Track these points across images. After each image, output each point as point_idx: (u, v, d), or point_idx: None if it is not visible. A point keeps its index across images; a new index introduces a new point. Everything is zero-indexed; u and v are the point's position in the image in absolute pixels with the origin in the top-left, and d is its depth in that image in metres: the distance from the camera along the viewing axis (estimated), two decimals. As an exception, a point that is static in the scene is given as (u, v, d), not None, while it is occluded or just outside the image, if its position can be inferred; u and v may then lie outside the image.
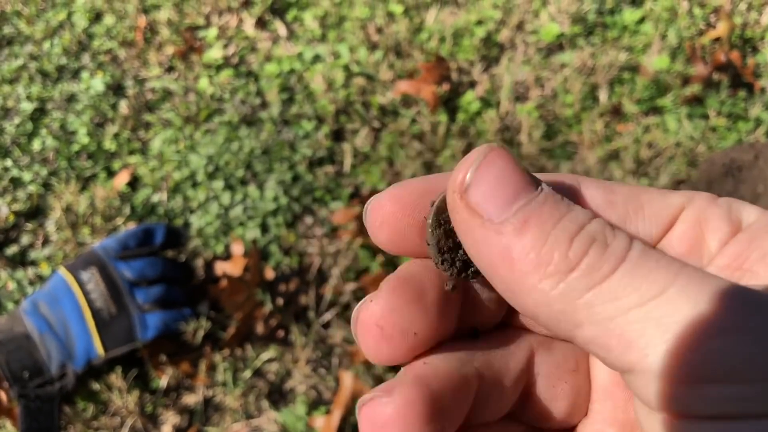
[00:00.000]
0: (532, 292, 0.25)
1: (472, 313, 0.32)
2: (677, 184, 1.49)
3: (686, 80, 1.65)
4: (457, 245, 0.29)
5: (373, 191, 1.48)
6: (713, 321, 0.23)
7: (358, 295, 1.37)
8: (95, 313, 1.24)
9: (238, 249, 1.42)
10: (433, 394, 0.27)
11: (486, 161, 0.26)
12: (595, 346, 0.25)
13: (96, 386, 1.27)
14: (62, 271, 1.27)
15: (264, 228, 1.48)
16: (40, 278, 1.44)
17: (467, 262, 0.29)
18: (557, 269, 0.24)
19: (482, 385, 0.29)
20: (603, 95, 1.65)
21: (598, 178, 0.30)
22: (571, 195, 0.29)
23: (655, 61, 1.70)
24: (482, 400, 0.29)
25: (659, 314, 0.23)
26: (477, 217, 0.26)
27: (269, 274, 1.40)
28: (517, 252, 0.25)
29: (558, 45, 1.83)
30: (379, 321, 0.28)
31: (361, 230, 1.40)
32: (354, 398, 1.20)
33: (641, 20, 1.85)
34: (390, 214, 0.29)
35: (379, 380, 1.24)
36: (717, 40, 1.77)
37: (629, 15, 1.85)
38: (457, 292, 0.30)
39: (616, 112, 1.62)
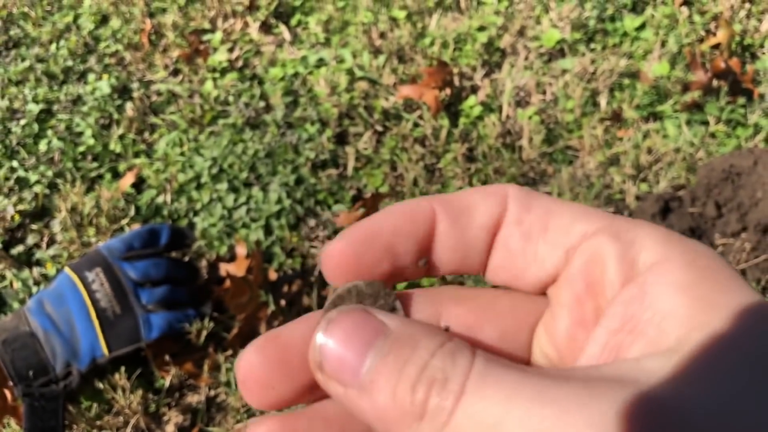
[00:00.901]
0: None
1: None
2: (677, 190, 1.51)
3: (686, 87, 1.67)
4: None
5: (376, 194, 1.49)
6: None
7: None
8: (100, 313, 1.25)
9: (241, 250, 1.43)
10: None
11: (329, 331, 0.26)
12: None
13: (100, 385, 1.29)
14: (67, 271, 1.29)
15: (267, 230, 1.49)
16: (46, 278, 1.45)
17: None
18: (413, 418, 0.24)
19: None
20: (603, 101, 1.67)
21: (531, 190, 0.30)
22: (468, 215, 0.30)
23: (655, 68, 1.72)
24: None
25: None
26: (339, 387, 0.26)
27: (272, 275, 1.42)
28: (377, 413, 0.25)
29: (559, 51, 1.85)
30: (241, 376, 0.28)
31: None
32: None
33: (642, 27, 1.87)
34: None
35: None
36: (717, 47, 1.78)
37: (630, 22, 1.87)
38: None
39: (617, 118, 1.63)
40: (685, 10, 1.89)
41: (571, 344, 0.29)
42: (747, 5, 1.90)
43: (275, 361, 0.28)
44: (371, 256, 0.30)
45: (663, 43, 1.80)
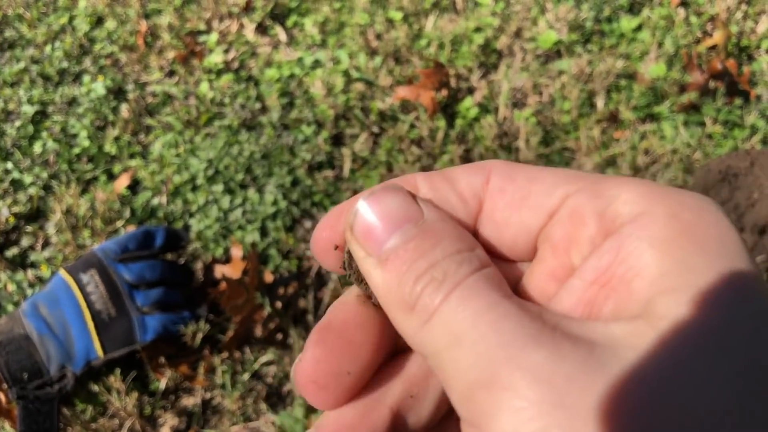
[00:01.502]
0: (396, 322, 0.27)
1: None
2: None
3: (683, 88, 1.67)
4: None
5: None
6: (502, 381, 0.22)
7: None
8: (95, 315, 1.25)
9: (237, 252, 1.43)
10: None
11: (370, 199, 0.28)
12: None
13: (95, 388, 1.28)
14: (62, 273, 1.28)
15: (263, 231, 1.49)
16: (40, 280, 1.44)
17: None
18: (406, 308, 0.26)
19: (396, 417, 0.30)
20: (600, 102, 1.67)
21: (516, 163, 0.30)
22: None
23: (652, 69, 1.72)
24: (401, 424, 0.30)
25: (447, 364, 0.24)
26: (361, 251, 0.28)
27: (268, 277, 1.41)
28: (383, 288, 0.27)
29: (556, 52, 1.84)
30: (311, 376, 0.29)
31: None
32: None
33: (638, 28, 1.87)
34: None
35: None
36: (713, 48, 1.78)
37: (626, 23, 1.87)
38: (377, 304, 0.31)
39: (613, 119, 1.63)
40: (681, 11, 1.89)
41: (542, 297, 0.29)
42: (744, 6, 1.90)
43: (341, 346, 0.29)
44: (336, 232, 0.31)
45: (660, 45, 1.80)
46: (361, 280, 0.30)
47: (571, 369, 0.22)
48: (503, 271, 0.30)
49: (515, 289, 0.30)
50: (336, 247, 0.31)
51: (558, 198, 0.28)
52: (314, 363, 0.29)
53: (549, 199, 0.28)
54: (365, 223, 0.27)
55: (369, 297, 0.30)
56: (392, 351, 0.31)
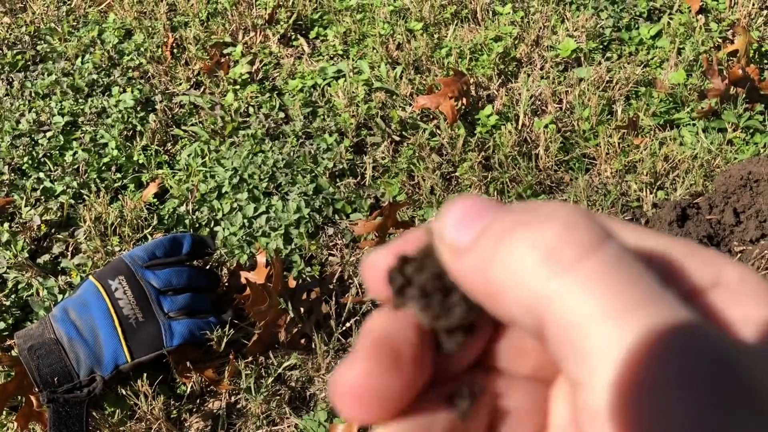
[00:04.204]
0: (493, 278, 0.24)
1: (443, 362, 0.30)
2: (694, 197, 1.50)
3: (703, 94, 1.67)
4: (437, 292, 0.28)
5: (393, 203, 1.51)
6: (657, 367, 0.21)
7: (378, 304, 1.40)
8: (123, 321, 1.28)
9: (261, 259, 1.45)
10: None
11: (454, 205, 0.26)
12: (557, 350, 0.23)
13: (123, 392, 1.31)
14: (92, 279, 1.31)
15: (287, 238, 1.51)
16: (71, 286, 1.48)
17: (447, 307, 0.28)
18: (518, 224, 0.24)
19: None
20: (619, 109, 1.68)
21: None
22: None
23: (672, 76, 1.72)
24: None
25: (606, 334, 0.21)
26: (452, 250, 0.26)
27: (291, 283, 1.44)
28: (474, 261, 0.25)
29: (575, 60, 1.85)
30: (355, 389, 0.26)
31: (381, 240, 1.44)
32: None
33: (658, 35, 1.88)
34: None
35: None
36: (734, 54, 1.78)
37: (646, 30, 1.87)
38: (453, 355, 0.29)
39: (633, 126, 1.64)
40: (701, 17, 1.90)
41: None
42: (765, 12, 1.90)
43: (390, 364, 0.27)
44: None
45: (679, 51, 1.81)
46: (421, 308, 0.27)
47: None
48: None
49: None
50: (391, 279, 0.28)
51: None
52: (363, 376, 0.26)
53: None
54: (452, 223, 0.26)
55: (423, 324, 0.28)
56: (430, 380, 0.29)
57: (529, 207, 0.25)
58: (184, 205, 1.60)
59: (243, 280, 1.45)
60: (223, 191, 1.60)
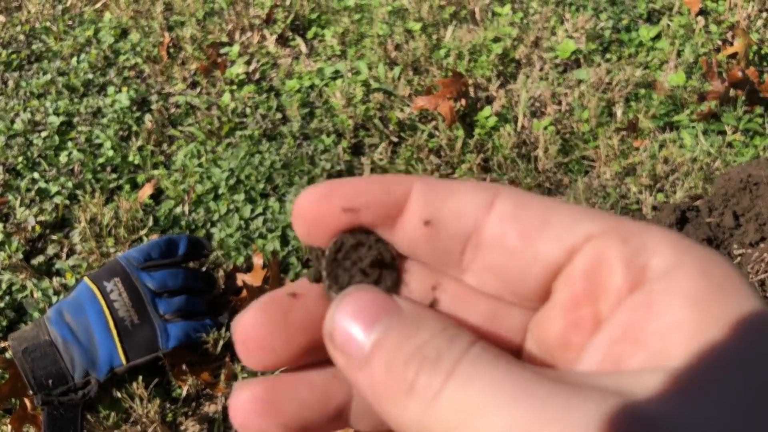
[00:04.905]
0: (393, 416, 0.25)
1: None
2: (694, 200, 1.50)
3: (702, 96, 1.66)
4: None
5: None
6: None
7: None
8: (118, 323, 1.26)
9: (258, 261, 1.44)
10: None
11: (343, 303, 0.27)
12: None
13: (118, 394, 1.30)
14: (87, 281, 1.30)
15: (284, 240, 1.50)
16: (65, 288, 1.47)
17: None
18: (402, 393, 0.24)
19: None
20: (619, 111, 1.67)
21: (518, 190, 0.28)
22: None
23: (671, 78, 1.71)
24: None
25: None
26: (343, 359, 0.26)
27: (288, 285, 1.42)
28: (372, 388, 0.25)
29: (574, 61, 1.85)
30: (241, 334, 0.28)
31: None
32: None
33: (657, 37, 1.87)
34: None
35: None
36: (733, 56, 1.78)
37: (645, 32, 1.87)
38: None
39: (632, 128, 1.63)
40: (701, 19, 1.89)
41: (563, 346, 0.28)
42: (764, 14, 1.89)
43: (277, 322, 0.28)
44: (331, 207, 0.29)
45: (679, 53, 1.80)
46: (330, 285, 0.29)
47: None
48: (497, 314, 0.29)
49: (522, 338, 0.29)
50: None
51: (580, 236, 0.26)
52: (250, 325, 0.28)
53: (570, 234, 0.26)
54: (343, 329, 0.26)
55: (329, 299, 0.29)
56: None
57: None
58: (180, 206, 1.59)
59: (240, 283, 1.43)
60: (220, 192, 1.59)
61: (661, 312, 0.24)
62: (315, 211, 0.29)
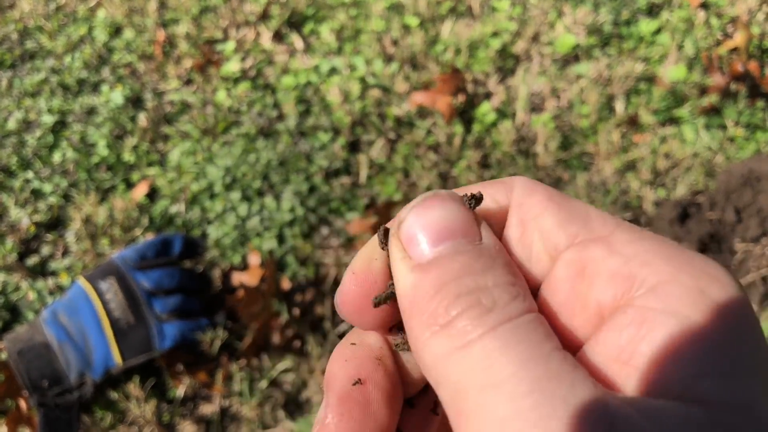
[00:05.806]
0: (414, 337, 0.25)
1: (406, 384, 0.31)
2: (695, 195, 1.48)
3: (703, 90, 1.65)
4: None
5: (389, 202, 1.48)
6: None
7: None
8: (113, 323, 1.25)
9: (254, 259, 1.43)
10: None
11: (423, 204, 0.26)
12: (447, 410, 0.23)
13: (114, 395, 1.28)
14: (81, 281, 1.29)
15: (280, 239, 1.49)
16: (60, 288, 1.45)
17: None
18: (435, 323, 0.24)
19: None
20: (619, 106, 1.65)
21: (538, 182, 0.29)
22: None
23: (672, 72, 1.70)
24: None
25: (487, 405, 0.22)
26: (401, 251, 0.26)
27: (285, 284, 1.41)
28: (413, 296, 0.25)
29: (574, 56, 1.83)
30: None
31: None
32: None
33: (657, 31, 1.85)
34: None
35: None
36: (734, 50, 1.76)
37: (645, 26, 1.85)
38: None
39: (633, 123, 1.61)
40: (702, 13, 1.87)
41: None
42: (765, 8, 1.88)
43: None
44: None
45: (679, 47, 1.78)
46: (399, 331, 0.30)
47: None
48: None
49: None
50: (377, 303, 0.30)
51: (564, 238, 0.27)
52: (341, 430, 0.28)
53: (558, 235, 0.27)
54: (414, 226, 0.26)
55: (396, 346, 0.30)
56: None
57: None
58: (176, 205, 1.57)
59: (236, 282, 1.42)
60: (216, 191, 1.57)
61: (652, 333, 0.23)
62: (356, 305, 0.30)
